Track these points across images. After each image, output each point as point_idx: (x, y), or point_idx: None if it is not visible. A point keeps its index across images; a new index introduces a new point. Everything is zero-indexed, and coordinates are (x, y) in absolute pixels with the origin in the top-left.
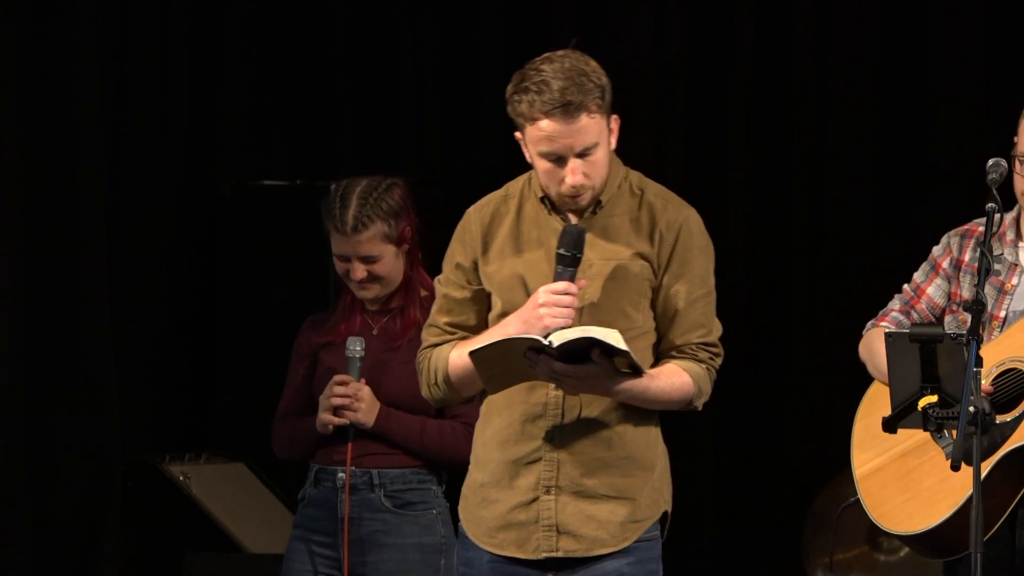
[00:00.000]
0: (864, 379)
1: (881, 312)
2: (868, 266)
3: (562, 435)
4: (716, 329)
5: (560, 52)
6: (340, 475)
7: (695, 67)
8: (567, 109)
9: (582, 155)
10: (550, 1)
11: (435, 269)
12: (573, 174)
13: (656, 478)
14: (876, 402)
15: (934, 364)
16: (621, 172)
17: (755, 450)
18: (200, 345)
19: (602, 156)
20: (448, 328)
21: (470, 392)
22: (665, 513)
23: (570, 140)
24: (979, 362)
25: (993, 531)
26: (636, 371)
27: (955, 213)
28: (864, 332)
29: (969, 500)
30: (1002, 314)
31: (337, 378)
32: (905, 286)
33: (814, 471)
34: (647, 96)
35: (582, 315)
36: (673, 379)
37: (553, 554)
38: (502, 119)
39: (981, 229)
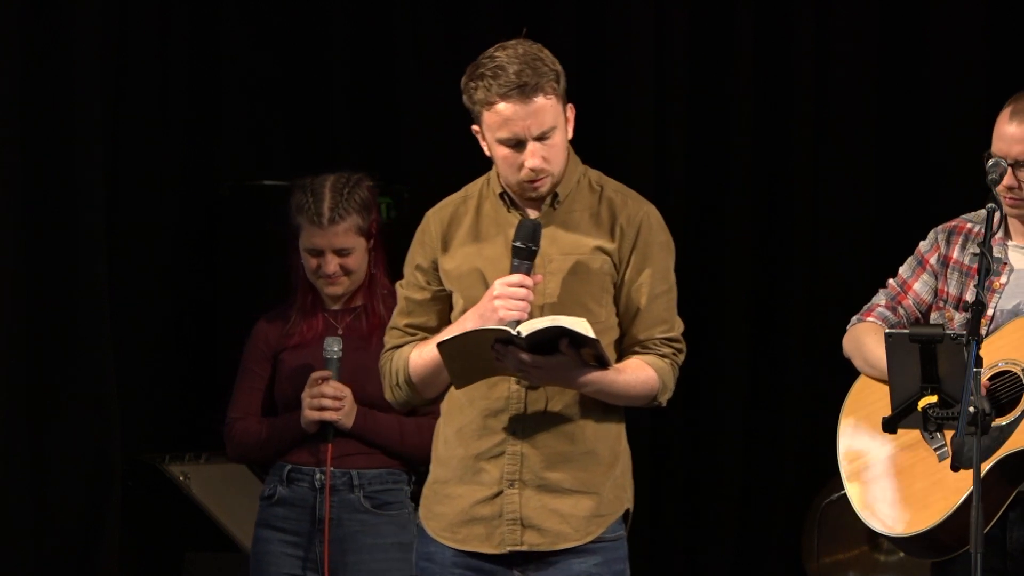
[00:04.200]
0: None
1: (866, 307)
2: (868, 266)
3: (524, 429)
4: (678, 325)
5: (512, 41)
6: (319, 475)
7: (695, 67)
8: (523, 90)
9: (540, 138)
10: (550, 1)
11: None
12: (532, 156)
13: (618, 474)
14: (861, 398)
15: (934, 364)
16: (579, 168)
17: (755, 450)
18: (200, 345)
19: (560, 141)
20: (408, 330)
21: (432, 393)
22: (627, 511)
23: (528, 122)
24: (979, 362)
25: (985, 532)
26: (602, 363)
27: (955, 213)
28: (848, 327)
29: (963, 503)
30: (991, 312)
31: (319, 374)
32: (890, 280)
33: (814, 471)
34: (647, 96)
35: (543, 311)
36: (639, 373)
37: (518, 548)
38: None
39: (968, 225)
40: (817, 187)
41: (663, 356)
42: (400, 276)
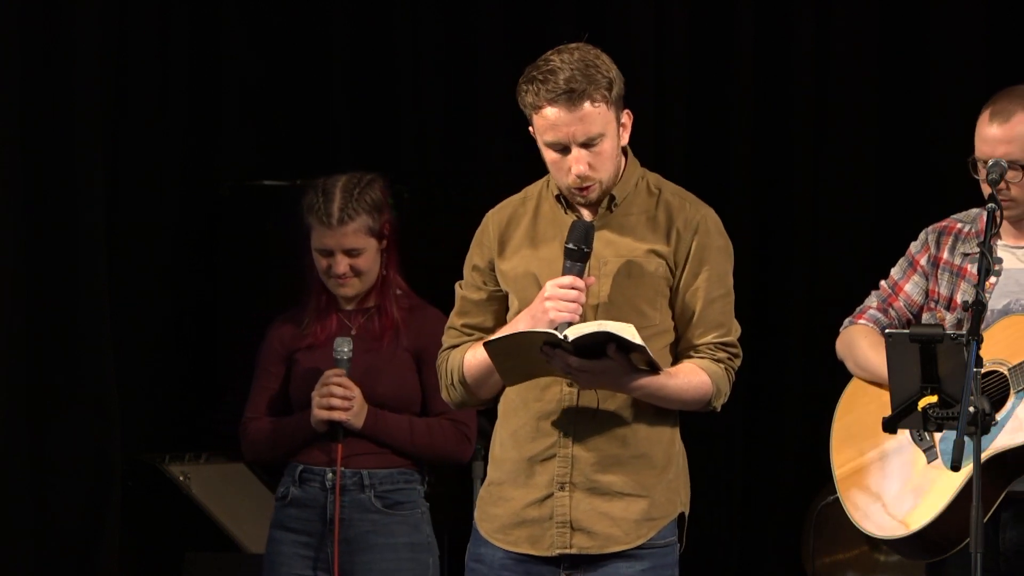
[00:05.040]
0: None
1: (858, 309)
2: (868, 266)
3: (576, 432)
4: (735, 329)
5: (572, 44)
6: (329, 475)
7: (695, 67)
8: (570, 96)
9: (586, 145)
10: (550, 1)
11: (433, 267)
12: (577, 163)
13: (672, 477)
14: (855, 400)
15: (934, 364)
16: (638, 171)
17: (755, 450)
18: (200, 345)
19: (608, 148)
20: (465, 330)
21: (487, 393)
22: (682, 515)
23: (573, 128)
24: (979, 362)
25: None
26: (653, 368)
27: (954, 213)
28: (841, 329)
29: (951, 504)
30: None
31: (332, 373)
32: (882, 282)
33: (814, 471)
34: (647, 96)
35: (597, 312)
36: (691, 378)
37: (567, 551)
38: (502, 120)
39: (959, 225)
40: (817, 187)
41: (718, 361)
42: (407, 275)
